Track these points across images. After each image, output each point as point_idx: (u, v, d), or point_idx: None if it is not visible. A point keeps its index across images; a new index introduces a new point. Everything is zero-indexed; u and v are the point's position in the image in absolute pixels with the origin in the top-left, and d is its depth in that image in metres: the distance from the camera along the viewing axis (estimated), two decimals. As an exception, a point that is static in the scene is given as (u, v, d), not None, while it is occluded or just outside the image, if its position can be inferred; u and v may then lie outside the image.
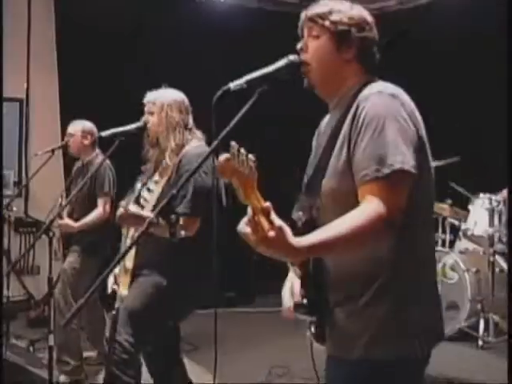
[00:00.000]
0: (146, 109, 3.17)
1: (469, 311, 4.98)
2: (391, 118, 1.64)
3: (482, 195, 5.11)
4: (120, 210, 2.99)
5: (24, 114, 6.53)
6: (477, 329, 4.91)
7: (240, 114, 1.66)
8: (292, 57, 1.78)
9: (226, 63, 6.36)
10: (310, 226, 1.70)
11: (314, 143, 2.01)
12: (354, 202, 1.63)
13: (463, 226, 5.30)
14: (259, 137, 6.06)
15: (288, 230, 1.47)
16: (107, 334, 3.10)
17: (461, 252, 5.35)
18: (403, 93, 1.74)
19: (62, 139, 4.77)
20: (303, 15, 1.86)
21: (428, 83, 6.10)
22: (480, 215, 5.09)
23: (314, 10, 1.85)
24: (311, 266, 1.79)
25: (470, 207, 5.25)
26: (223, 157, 1.49)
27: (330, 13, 1.81)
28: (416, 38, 6.39)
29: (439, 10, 6.25)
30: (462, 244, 5.47)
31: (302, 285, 1.80)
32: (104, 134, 3.13)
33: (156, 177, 3.14)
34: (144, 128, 3.13)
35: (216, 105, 1.69)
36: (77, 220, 4.36)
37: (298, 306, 1.78)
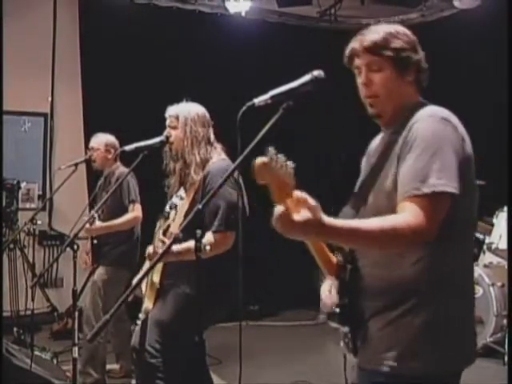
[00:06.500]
0: (167, 123, 3.18)
1: (494, 326, 4.91)
2: (440, 141, 1.67)
3: (506, 209, 5.05)
4: (149, 249, 3.03)
5: (48, 127, 6.59)
6: (502, 344, 4.82)
7: (265, 130, 1.66)
8: (316, 72, 1.77)
9: (246, 77, 6.40)
10: None
11: (363, 164, 2.01)
12: None
13: (487, 240, 5.24)
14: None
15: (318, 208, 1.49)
16: (132, 344, 3.10)
17: (485, 266, 5.28)
18: (454, 116, 1.76)
19: (86, 153, 4.81)
20: (356, 45, 1.82)
21: (452, 95, 6.05)
22: (505, 229, 5.03)
23: (369, 38, 1.80)
24: (348, 276, 1.80)
25: (495, 221, 5.19)
26: (260, 160, 1.50)
27: (387, 40, 1.79)
28: (438, 50, 6.34)
29: (462, 23, 6.21)
30: (487, 258, 5.39)
31: (337, 293, 1.81)
32: (127, 148, 3.15)
33: (182, 192, 3.15)
34: (166, 142, 3.15)
35: (241, 120, 1.70)
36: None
37: (330, 315, 1.79)
